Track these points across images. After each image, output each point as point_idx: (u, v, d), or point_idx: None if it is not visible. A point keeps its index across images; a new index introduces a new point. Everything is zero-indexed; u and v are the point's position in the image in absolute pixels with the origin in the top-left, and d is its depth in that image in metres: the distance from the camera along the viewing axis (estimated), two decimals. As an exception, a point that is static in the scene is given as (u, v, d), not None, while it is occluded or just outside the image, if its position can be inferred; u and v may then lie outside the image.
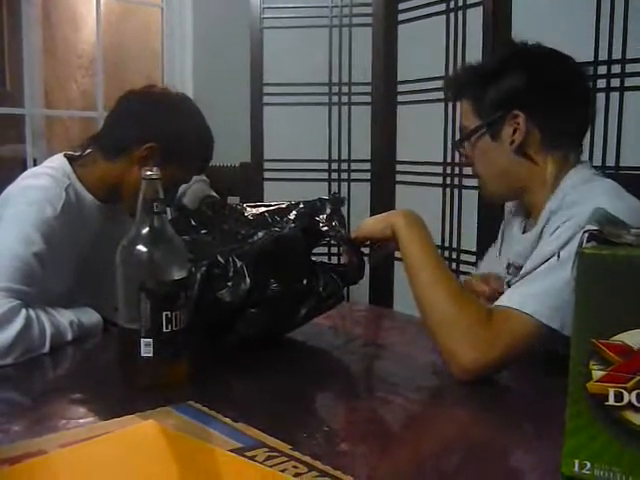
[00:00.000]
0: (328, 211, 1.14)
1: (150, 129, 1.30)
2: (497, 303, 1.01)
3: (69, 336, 1.15)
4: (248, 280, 1.02)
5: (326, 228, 1.12)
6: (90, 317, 1.21)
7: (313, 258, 1.15)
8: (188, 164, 1.35)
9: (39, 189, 1.24)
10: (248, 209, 1.19)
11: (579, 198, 1.06)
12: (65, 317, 1.17)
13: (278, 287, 1.06)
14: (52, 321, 1.13)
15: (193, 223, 1.18)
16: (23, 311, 1.10)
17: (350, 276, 1.17)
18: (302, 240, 1.11)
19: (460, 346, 0.97)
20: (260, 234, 1.10)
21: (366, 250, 1.20)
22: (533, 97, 1.16)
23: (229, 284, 1.02)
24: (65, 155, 1.34)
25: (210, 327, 1.03)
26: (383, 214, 1.15)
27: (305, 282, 1.10)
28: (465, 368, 0.96)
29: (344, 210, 1.17)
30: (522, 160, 1.16)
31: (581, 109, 1.20)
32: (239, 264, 1.03)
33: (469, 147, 1.21)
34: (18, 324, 1.07)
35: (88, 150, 1.35)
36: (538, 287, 0.99)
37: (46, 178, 1.26)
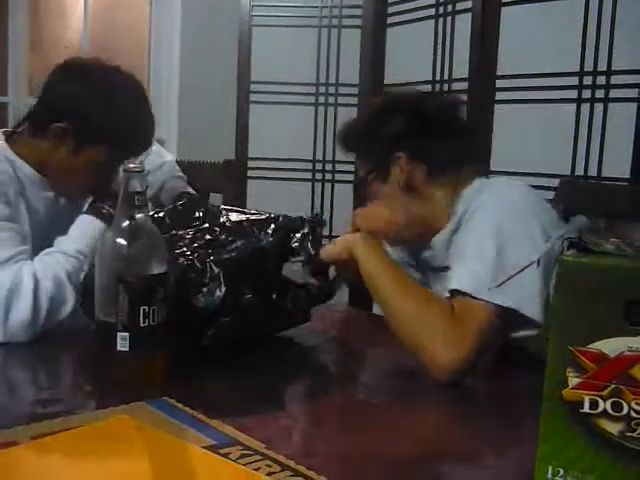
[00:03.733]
0: (306, 230, 1.15)
1: (66, 104, 1.21)
2: (451, 287, 1.04)
3: (80, 264, 1.12)
4: (224, 287, 1.01)
5: (296, 245, 1.13)
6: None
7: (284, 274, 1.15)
8: (113, 148, 1.22)
9: None
10: (224, 212, 1.18)
11: (473, 210, 1.13)
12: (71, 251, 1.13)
13: (252, 298, 1.05)
14: (60, 263, 1.11)
15: (167, 221, 1.16)
16: (26, 271, 1.08)
17: (318, 297, 1.19)
18: (277, 255, 1.11)
19: (435, 349, 0.98)
20: (239, 243, 1.09)
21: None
22: (411, 137, 1.23)
23: (204, 289, 1.01)
24: (1, 131, 1.29)
25: (181, 330, 1.02)
26: (340, 237, 1.21)
27: (275, 296, 1.10)
28: (445, 369, 0.97)
29: (323, 230, 1.19)
30: (413, 197, 1.23)
31: (459, 137, 1.27)
32: (216, 270, 1.02)
33: (369, 195, 1.28)
34: (28, 287, 1.06)
35: (21, 127, 1.28)
36: (483, 268, 1.02)
37: None
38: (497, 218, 1.08)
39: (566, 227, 0.72)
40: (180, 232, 1.12)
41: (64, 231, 1.19)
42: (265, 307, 1.09)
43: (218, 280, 1.02)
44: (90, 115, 1.20)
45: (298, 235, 1.14)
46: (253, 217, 1.16)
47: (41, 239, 1.22)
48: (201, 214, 1.18)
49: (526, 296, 0.99)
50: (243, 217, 1.16)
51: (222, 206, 1.22)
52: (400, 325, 1.05)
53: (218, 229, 1.12)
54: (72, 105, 1.21)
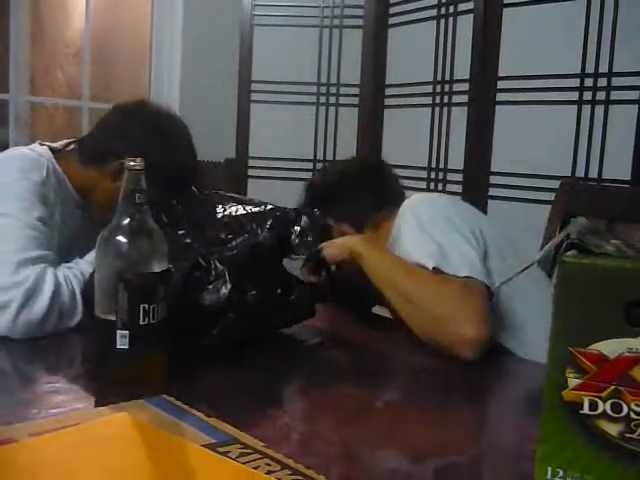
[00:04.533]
0: (303, 224, 1.15)
1: (128, 145, 1.26)
2: (448, 272, 1.11)
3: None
4: (229, 285, 1.02)
5: (296, 242, 1.13)
6: None
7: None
8: (164, 186, 1.26)
9: (22, 158, 1.24)
10: (221, 202, 1.18)
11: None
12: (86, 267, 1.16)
13: (256, 294, 1.05)
14: (77, 276, 1.14)
15: (165, 219, 1.16)
16: (49, 274, 1.10)
17: (320, 293, 1.20)
18: (277, 250, 1.12)
19: (460, 326, 1.04)
20: (239, 240, 1.09)
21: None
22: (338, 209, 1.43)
23: (209, 287, 1.01)
24: (41, 144, 1.34)
25: (185, 329, 1.02)
26: (339, 240, 1.28)
27: (279, 292, 1.11)
28: (473, 343, 1.03)
29: (321, 227, 1.20)
30: (378, 231, 1.41)
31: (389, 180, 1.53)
32: (221, 268, 1.02)
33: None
34: (48, 290, 1.08)
35: (69, 147, 1.34)
36: (459, 259, 1.13)
37: (25, 150, 1.27)
38: (415, 217, 1.24)
39: (567, 228, 0.72)
40: (180, 231, 1.12)
41: (84, 249, 1.23)
42: (269, 303, 1.09)
43: (223, 278, 1.02)
44: (145, 156, 1.24)
45: (297, 229, 1.14)
46: (249, 208, 1.15)
47: (65, 252, 1.26)
48: (197, 208, 1.18)
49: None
50: (241, 210, 1.16)
51: (212, 191, 1.22)
52: (417, 310, 1.10)
53: (217, 226, 1.12)
54: (130, 145, 1.26)
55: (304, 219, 1.15)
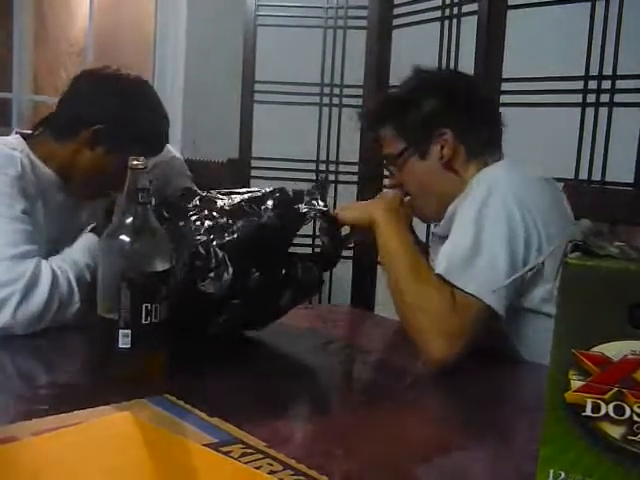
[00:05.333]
0: (314, 194, 1.13)
1: (97, 111, 1.29)
2: (454, 282, 1.06)
3: (88, 276, 1.16)
4: (231, 270, 1.01)
5: (306, 209, 1.11)
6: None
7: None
8: (139, 149, 1.26)
9: None
10: (220, 197, 1.17)
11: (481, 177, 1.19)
12: (77, 254, 1.18)
13: (259, 276, 1.04)
14: (71, 264, 1.15)
15: (166, 215, 1.16)
16: (45, 266, 1.11)
17: (327, 258, 1.17)
18: (281, 229, 1.10)
19: (430, 336, 1.02)
20: (239, 224, 1.08)
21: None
22: (454, 115, 1.26)
23: (211, 275, 1.01)
24: (17, 132, 1.34)
25: (190, 319, 1.02)
26: (363, 202, 1.25)
27: (284, 271, 1.09)
28: (436, 357, 1.02)
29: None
30: (450, 174, 1.25)
31: (493, 120, 1.34)
32: (221, 254, 1.02)
33: (398, 172, 1.29)
34: (46, 282, 1.10)
35: (40, 130, 1.34)
36: (482, 269, 1.07)
37: None
38: (480, 206, 1.12)
39: (570, 230, 0.72)
40: (181, 223, 1.12)
41: (74, 234, 1.24)
42: (274, 284, 1.08)
43: (224, 264, 1.02)
44: (118, 121, 1.28)
45: (304, 200, 1.12)
46: (249, 195, 1.15)
47: (54, 240, 1.26)
48: (197, 202, 1.18)
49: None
50: (240, 198, 1.15)
51: (217, 191, 1.22)
52: (403, 306, 1.08)
53: (217, 214, 1.11)
54: (102, 112, 1.29)
55: (306, 199, 1.13)
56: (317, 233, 1.22)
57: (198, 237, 1.06)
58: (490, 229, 1.10)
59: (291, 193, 1.13)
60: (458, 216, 1.16)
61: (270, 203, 1.10)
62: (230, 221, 1.08)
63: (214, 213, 1.11)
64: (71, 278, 1.14)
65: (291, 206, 1.11)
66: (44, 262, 1.12)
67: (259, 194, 1.14)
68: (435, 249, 1.25)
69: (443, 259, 1.10)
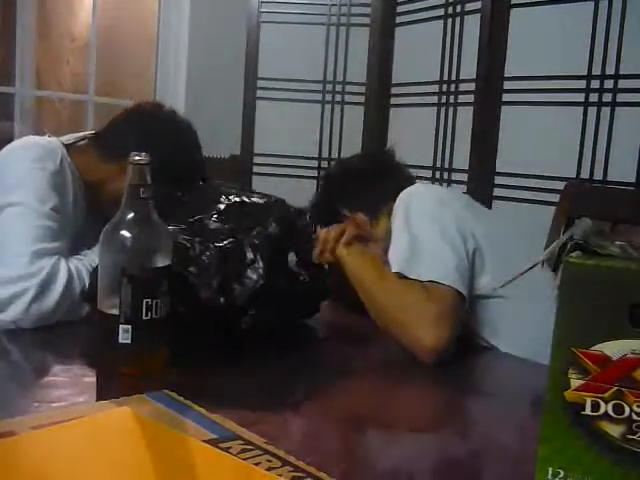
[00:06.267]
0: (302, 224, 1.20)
1: (147, 145, 1.29)
2: (409, 276, 1.13)
3: None
4: (262, 270, 1.04)
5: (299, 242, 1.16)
6: None
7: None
8: (175, 185, 1.31)
9: (36, 146, 1.25)
10: (223, 198, 1.18)
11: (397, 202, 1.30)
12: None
13: (284, 282, 1.08)
14: (89, 269, 1.14)
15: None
16: (63, 266, 1.11)
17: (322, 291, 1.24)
18: (283, 243, 1.13)
19: (419, 332, 1.05)
20: (257, 229, 1.09)
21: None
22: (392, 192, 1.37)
23: (247, 272, 1.03)
24: (50, 136, 1.34)
25: (219, 318, 1.03)
26: (328, 239, 1.28)
27: (302, 279, 1.14)
28: (429, 349, 1.04)
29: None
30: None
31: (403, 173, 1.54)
32: (253, 255, 1.04)
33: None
34: (61, 282, 1.10)
35: (83, 141, 1.35)
36: (429, 259, 1.15)
37: (38, 139, 1.28)
38: (403, 209, 1.26)
39: (572, 229, 0.72)
40: (202, 221, 1.12)
41: (91, 240, 1.23)
42: (296, 290, 1.12)
43: (257, 263, 1.04)
44: (160, 160, 1.27)
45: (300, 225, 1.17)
46: (253, 199, 1.16)
47: (76, 240, 1.27)
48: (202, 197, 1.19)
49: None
50: (243, 198, 1.17)
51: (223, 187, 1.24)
52: (383, 314, 1.13)
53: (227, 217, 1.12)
54: (149, 148, 1.27)
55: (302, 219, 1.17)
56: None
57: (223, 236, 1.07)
58: (421, 228, 1.20)
59: (294, 211, 1.19)
60: (392, 233, 1.26)
61: (275, 216, 1.12)
62: (227, 225, 1.10)
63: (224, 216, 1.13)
64: (85, 281, 1.13)
65: (292, 224, 1.16)
66: (63, 261, 1.13)
67: (263, 201, 1.15)
68: None
69: (392, 262, 1.18)
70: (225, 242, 1.05)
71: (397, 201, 1.31)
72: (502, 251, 1.25)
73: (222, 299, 1.02)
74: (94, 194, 1.33)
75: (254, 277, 1.04)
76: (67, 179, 1.25)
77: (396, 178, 1.48)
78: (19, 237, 1.13)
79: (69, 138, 1.36)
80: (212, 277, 1.02)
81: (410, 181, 1.46)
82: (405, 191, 1.33)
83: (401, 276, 1.14)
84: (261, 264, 1.04)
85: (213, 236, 1.07)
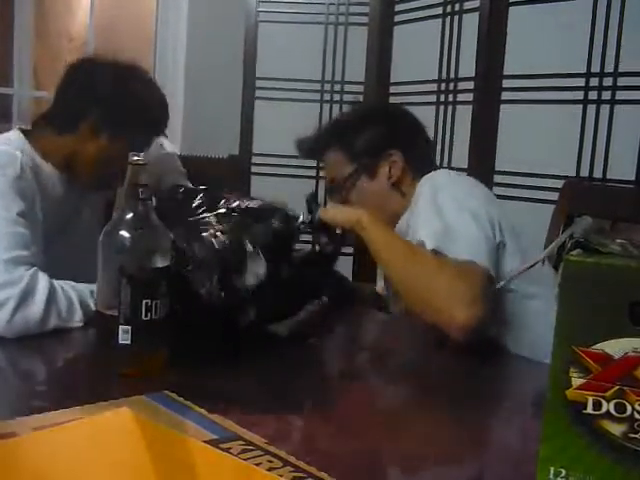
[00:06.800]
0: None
1: (93, 100, 1.29)
2: (450, 255, 1.11)
3: (92, 305, 1.10)
4: (264, 265, 1.03)
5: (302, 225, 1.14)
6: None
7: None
8: (141, 129, 1.33)
9: None
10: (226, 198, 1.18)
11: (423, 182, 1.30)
12: (81, 286, 1.13)
13: (287, 272, 1.08)
14: (73, 287, 1.11)
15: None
16: (42, 276, 1.08)
17: (326, 257, 1.20)
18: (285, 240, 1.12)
19: (453, 308, 1.05)
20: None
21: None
22: (400, 136, 1.39)
23: (248, 268, 1.03)
24: (19, 129, 1.34)
25: (223, 313, 1.03)
26: (344, 207, 1.30)
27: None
28: (464, 326, 1.04)
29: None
30: (396, 194, 1.37)
31: (427, 139, 1.49)
32: (253, 249, 1.04)
33: (346, 193, 1.38)
34: (43, 291, 1.06)
35: (39, 125, 1.34)
36: (463, 242, 1.14)
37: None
38: (432, 192, 1.24)
39: (572, 227, 0.72)
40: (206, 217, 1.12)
41: (77, 226, 1.22)
42: (296, 280, 1.11)
43: (258, 257, 1.03)
44: (116, 106, 1.29)
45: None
46: (250, 204, 1.16)
47: (58, 232, 1.27)
48: (200, 201, 1.18)
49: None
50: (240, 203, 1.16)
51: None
52: (413, 290, 1.12)
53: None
54: (99, 100, 1.29)
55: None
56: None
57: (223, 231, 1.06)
58: (452, 212, 1.19)
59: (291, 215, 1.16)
60: (415, 219, 1.23)
61: (276, 218, 1.11)
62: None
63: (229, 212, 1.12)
64: (72, 297, 1.10)
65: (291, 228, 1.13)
66: (41, 273, 1.09)
67: (255, 206, 1.15)
68: None
69: (426, 240, 1.15)
70: (224, 238, 1.04)
71: (423, 182, 1.29)
72: (520, 244, 1.26)
73: (222, 294, 1.01)
74: (69, 173, 1.31)
75: (256, 272, 1.03)
76: (29, 182, 1.23)
77: (415, 147, 1.44)
78: None
79: (29, 126, 1.36)
80: (212, 273, 1.01)
81: (429, 164, 1.42)
82: (432, 174, 1.32)
83: (435, 252, 1.13)
84: (261, 256, 1.03)
85: (211, 234, 1.06)
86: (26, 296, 1.05)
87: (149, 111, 1.33)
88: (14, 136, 1.31)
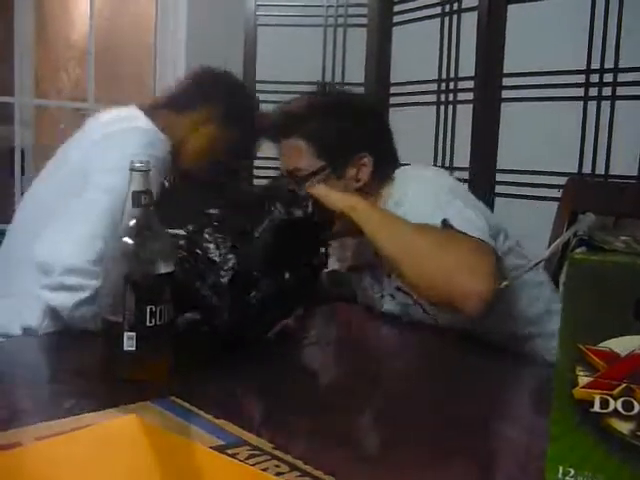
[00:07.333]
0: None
1: (212, 97, 1.42)
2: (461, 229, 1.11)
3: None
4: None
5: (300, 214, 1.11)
6: None
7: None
8: (244, 125, 1.45)
9: (144, 132, 1.26)
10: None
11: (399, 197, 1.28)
12: None
13: (289, 276, 1.07)
14: None
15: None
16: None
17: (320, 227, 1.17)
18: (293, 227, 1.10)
19: (466, 282, 1.03)
20: (262, 225, 1.07)
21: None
22: (372, 139, 1.36)
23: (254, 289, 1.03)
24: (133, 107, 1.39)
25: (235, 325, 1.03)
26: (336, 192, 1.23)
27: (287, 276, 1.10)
28: (478, 299, 1.02)
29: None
30: (357, 192, 1.30)
31: (392, 140, 1.44)
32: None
33: (307, 185, 1.31)
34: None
35: (157, 106, 1.42)
36: (469, 225, 1.13)
37: (144, 124, 1.29)
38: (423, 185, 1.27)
39: (575, 225, 0.72)
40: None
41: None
42: (297, 283, 1.10)
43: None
44: (235, 101, 1.46)
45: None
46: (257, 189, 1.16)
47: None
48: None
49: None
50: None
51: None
52: (423, 266, 1.08)
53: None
54: (219, 96, 1.43)
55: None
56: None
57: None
58: (444, 198, 1.20)
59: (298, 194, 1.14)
60: (413, 206, 1.22)
61: (283, 201, 1.09)
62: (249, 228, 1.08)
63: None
64: None
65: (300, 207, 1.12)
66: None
67: (268, 188, 1.15)
68: None
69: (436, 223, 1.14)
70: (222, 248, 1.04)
71: (403, 176, 1.31)
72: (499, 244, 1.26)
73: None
74: (176, 155, 1.33)
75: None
76: (169, 163, 1.28)
77: (383, 142, 1.43)
78: (93, 225, 1.09)
79: (148, 106, 1.40)
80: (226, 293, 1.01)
81: (395, 162, 1.42)
82: (410, 169, 1.34)
83: (444, 226, 1.13)
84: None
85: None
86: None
87: (250, 110, 1.48)
88: (138, 113, 1.33)
